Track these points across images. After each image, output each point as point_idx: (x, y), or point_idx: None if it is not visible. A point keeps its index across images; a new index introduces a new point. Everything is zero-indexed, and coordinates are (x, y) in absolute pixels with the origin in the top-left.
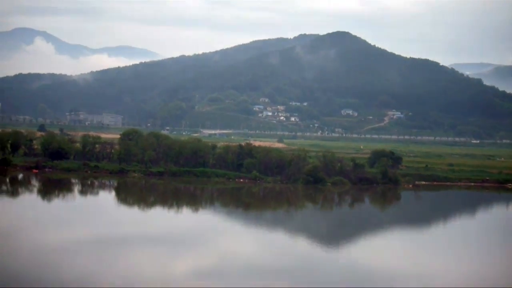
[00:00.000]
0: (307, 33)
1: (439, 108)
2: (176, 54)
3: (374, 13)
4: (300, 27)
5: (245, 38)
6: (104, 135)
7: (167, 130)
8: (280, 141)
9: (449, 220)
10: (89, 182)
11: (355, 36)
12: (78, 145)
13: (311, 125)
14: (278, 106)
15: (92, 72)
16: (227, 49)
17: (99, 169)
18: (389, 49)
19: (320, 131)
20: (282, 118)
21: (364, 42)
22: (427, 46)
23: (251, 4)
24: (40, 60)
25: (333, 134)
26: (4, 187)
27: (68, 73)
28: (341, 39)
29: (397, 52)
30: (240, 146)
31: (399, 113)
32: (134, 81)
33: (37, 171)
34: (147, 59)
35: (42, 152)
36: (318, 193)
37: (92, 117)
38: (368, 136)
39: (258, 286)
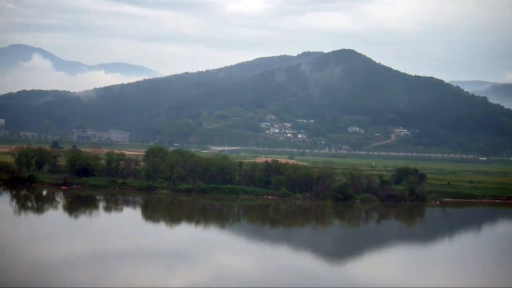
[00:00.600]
0: (310, 51)
1: (445, 125)
2: (171, 71)
3: (375, 32)
4: (302, 45)
5: (247, 56)
6: (116, 152)
7: (176, 146)
8: (291, 157)
9: (483, 236)
10: (120, 199)
11: (360, 54)
12: (103, 162)
13: (318, 142)
14: (285, 123)
15: (95, 89)
16: (231, 66)
17: (127, 185)
18: (393, 67)
19: (328, 148)
20: (289, 135)
21: (369, 60)
22: (426, 64)
23: (248, 22)
24: (39, 77)
25: (341, 151)
26: (36, 204)
27: (69, 90)
28: (346, 56)
29: (401, 70)
30: (267, 163)
31: (406, 130)
32: (138, 98)
33: (66, 188)
34: (143, 76)
35: (68, 168)
36: (348, 210)
37: (99, 134)
38: (376, 153)
39: None
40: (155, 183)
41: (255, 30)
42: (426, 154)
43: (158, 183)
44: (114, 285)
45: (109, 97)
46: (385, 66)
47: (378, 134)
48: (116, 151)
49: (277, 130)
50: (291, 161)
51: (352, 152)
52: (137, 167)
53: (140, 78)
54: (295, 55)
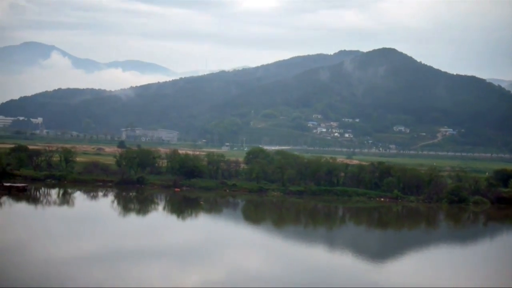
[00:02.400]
0: (346, 49)
1: (490, 124)
2: (186, 69)
3: (389, 29)
4: (332, 43)
5: (260, 54)
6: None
7: (227, 146)
8: (349, 157)
9: None
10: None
11: (401, 53)
12: (205, 163)
13: (365, 142)
14: (331, 122)
15: (131, 88)
16: (268, 64)
17: (236, 187)
18: (434, 66)
19: (374, 148)
20: (336, 134)
21: (411, 58)
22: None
23: (261, 19)
24: (57, 75)
25: (391, 151)
26: (156, 206)
27: (104, 88)
28: (387, 55)
29: (442, 68)
30: (373, 164)
31: (451, 129)
32: (177, 97)
33: (178, 190)
34: (159, 74)
35: (176, 170)
36: (462, 213)
37: (148, 133)
38: (425, 152)
39: None
40: (266, 184)
41: (268, 28)
42: (476, 154)
43: (268, 185)
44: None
45: (147, 95)
46: (426, 65)
47: (424, 134)
48: (181, 151)
49: (324, 130)
50: (354, 162)
51: (401, 151)
52: (237, 169)
53: (155, 76)
54: (332, 53)
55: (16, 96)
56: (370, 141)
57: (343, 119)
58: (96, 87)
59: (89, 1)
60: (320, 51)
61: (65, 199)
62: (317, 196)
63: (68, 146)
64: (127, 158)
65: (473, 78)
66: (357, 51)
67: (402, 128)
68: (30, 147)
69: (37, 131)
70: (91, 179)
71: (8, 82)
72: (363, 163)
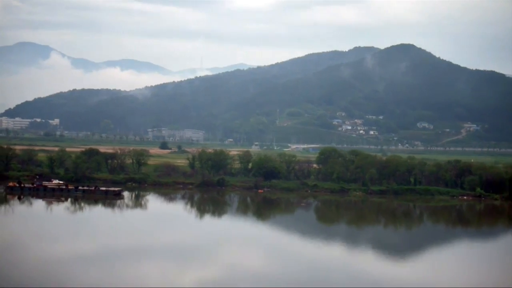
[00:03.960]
0: (361, 46)
1: None
2: (182, 67)
3: (384, 25)
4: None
5: (256, 51)
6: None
7: (257, 145)
8: (384, 155)
9: None
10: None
11: (419, 48)
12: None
13: (390, 139)
14: (356, 120)
15: (146, 87)
16: (282, 62)
17: (317, 188)
18: (453, 61)
19: (400, 144)
20: (361, 131)
21: (430, 54)
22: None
23: (255, 16)
24: (56, 75)
25: (418, 148)
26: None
27: (119, 88)
28: (406, 51)
29: (461, 64)
30: (450, 162)
31: (475, 125)
32: (195, 96)
33: (262, 191)
34: (156, 73)
35: (243, 171)
36: None
37: (175, 133)
38: (452, 148)
39: None
40: (346, 185)
41: (263, 25)
42: (503, 150)
43: (349, 185)
44: None
45: (163, 95)
46: (445, 60)
47: (448, 130)
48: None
49: (349, 127)
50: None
51: (428, 148)
52: (310, 169)
53: (153, 75)
54: (346, 50)
55: (30, 98)
56: (395, 138)
57: (367, 116)
58: (97, 86)
59: (82, 0)
60: (317, 49)
61: (165, 202)
62: (399, 196)
63: (138, 148)
64: (202, 160)
65: (492, 73)
66: (372, 47)
67: (426, 125)
68: (67, 150)
69: (58, 133)
70: (171, 182)
71: (6, 83)
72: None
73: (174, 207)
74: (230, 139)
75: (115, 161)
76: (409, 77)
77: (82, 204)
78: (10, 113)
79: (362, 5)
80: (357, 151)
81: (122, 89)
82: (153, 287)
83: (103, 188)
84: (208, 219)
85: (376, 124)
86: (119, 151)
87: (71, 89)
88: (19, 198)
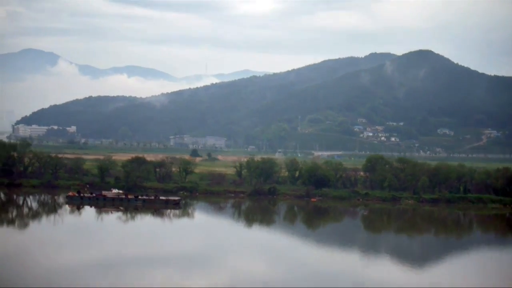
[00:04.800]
0: (377, 52)
1: None
2: (186, 73)
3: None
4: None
5: (261, 57)
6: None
7: (280, 152)
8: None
9: None
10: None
11: (437, 54)
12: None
13: (411, 145)
14: (377, 126)
15: (162, 94)
16: (299, 69)
17: (369, 196)
18: (472, 67)
19: (422, 151)
20: (383, 138)
21: (448, 60)
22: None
23: (259, 23)
24: (68, 82)
25: (440, 155)
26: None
27: (135, 95)
28: (425, 58)
29: (479, 70)
30: (499, 170)
31: (495, 131)
32: (212, 103)
33: (315, 200)
34: (162, 79)
35: (291, 179)
36: None
37: (198, 140)
38: (474, 155)
39: None
40: (398, 193)
41: (267, 31)
42: None
43: (399, 193)
44: None
45: (180, 102)
46: (464, 66)
47: (468, 136)
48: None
49: (370, 134)
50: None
51: (451, 155)
52: (356, 177)
53: (158, 81)
54: (362, 56)
55: (40, 105)
56: (416, 145)
57: (388, 123)
58: (105, 93)
59: (86, 7)
60: (326, 55)
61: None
62: (451, 204)
63: (186, 157)
64: (251, 169)
65: (510, 79)
66: (389, 54)
67: (447, 131)
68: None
69: (81, 140)
70: (222, 191)
71: (13, 89)
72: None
73: (232, 217)
74: (252, 146)
75: (164, 169)
76: (429, 83)
77: (146, 214)
78: (27, 120)
79: (364, 10)
80: (404, 159)
81: (137, 96)
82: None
83: (163, 198)
84: (269, 229)
85: (397, 130)
86: (166, 160)
87: (87, 96)
88: (78, 208)
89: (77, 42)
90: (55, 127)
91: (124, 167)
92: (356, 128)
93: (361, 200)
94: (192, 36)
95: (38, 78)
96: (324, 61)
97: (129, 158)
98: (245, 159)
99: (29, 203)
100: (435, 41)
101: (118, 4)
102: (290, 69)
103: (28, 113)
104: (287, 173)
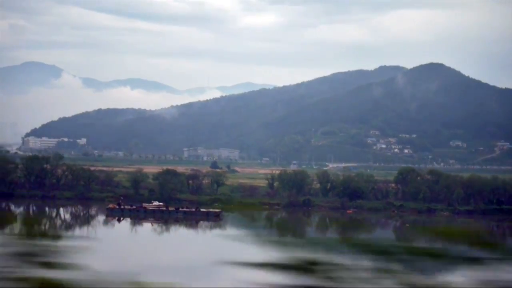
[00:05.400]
0: (386, 65)
1: None
2: (189, 86)
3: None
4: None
5: (260, 70)
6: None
7: (295, 164)
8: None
9: None
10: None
11: (449, 68)
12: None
13: (424, 157)
14: (390, 139)
15: (171, 107)
16: (308, 81)
17: (404, 208)
18: (482, 80)
19: (435, 163)
20: (396, 150)
21: (459, 73)
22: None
23: (261, 36)
24: (73, 94)
25: (454, 166)
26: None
27: (144, 108)
28: (435, 70)
29: (490, 82)
30: None
31: (508, 143)
32: (223, 115)
33: (351, 211)
34: (164, 92)
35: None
36: None
37: (213, 152)
38: (488, 167)
39: None
40: (432, 205)
41: (267, 44)
42: None
43: (434, 205)
44: None
45: (190, 114)
46: (475, 79)
47: (481, 148)
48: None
49: (384, 146)
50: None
51: (465, 167)
52: (386, 189)
53: (162, 94)
54: (372, 69)
55: (52, 118)
56: (430, 157)
57: (400, 135)
58: (110, 105)
59: (87, 20)
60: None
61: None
62: (486, 216)
63: (237, 169)
64: (284, 181)
65: None
66: (398, 66)
67: (459, 143)
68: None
69: (91, 152)
70: (257, 202)
71: (16, 102)
72: None
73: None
74: (266, 158)
75: (197, 181)
76: (440, 96)
77: (188, 226)
78: (36, 132)
79: (365, 24)
80: (435, 171)
81: (147, 109)
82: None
83: (204, 210)
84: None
85: (410, 142)
86: (197, 172)
87: (96, 109)
88: (119, 220)
89: (79, 55)
90: (66, 139)
91: (156, 179)
92: (369, 140)
93: (396, 212)
94: (193, 49)
95: (40, 91)
96: (334, 74)
97: (160, 170)
98: (277, 171)
99: (71, 216)
100: (444, 54)
101: (120, 17)
102: (297, 82)
103: (34, 125)
104: (318, 185)
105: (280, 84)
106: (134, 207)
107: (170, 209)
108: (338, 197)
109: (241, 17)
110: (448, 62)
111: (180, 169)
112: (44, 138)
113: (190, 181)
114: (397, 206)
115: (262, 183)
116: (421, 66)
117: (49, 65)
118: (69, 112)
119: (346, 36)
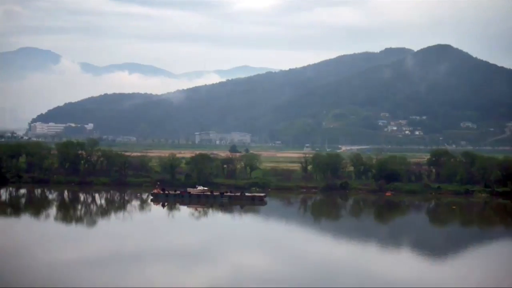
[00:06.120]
0: (392, 47)
1: None
2: (185, 70)
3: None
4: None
5: (259, 54)
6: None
7: (308, 147)
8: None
9: None
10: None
11: (456, 49)
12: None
13: (435, 139)
14: (400, 121)
15: (178, 91)
16: (314, 64)
17: (441, 190)
18: (490, 61)
19: (446, 144)
20: (407, 132)
21: (467, 54)
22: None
23: (257, 19)
24: (72, 80)
25: (466, 147)
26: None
27: (151, 92)
28: (444, 52)
29: (498, 63)
30: None
31: None
32: (230, 99)
33: (390, 194)
34: (162, 76)
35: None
36: None
37: (225, 136)
38: (501, 148)
39: None
40: (470, 186)
41: (264, 27)
42: None
43: (472, 187)
44: None
45: (197, 99)
46: (483, 60)
47: (492, 129)
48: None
49: (394, 128)
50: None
51: (476, 148)
52: (420, 171)
53: (159, 78)
54: (378, 51)
55: (60, 103)
56: (441, 138)
57: (411, 117)
58: (110, 90)
59: (82, 5)
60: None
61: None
62: None
63: (254, 152)
64: (319, 164)
65: None
66: (403, 49)
67: (470, 124)
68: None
69: (99, 137)
70: (294, 186)
71: (14, 88)
72: None
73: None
74: (278, 141)
75: (231, 166)
76: (449, 77)
77: (236, 210)
78: (43, 118)
79: (363, 6)
80: (469, 153)
81: (153, 93)
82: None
83: (249, 194)
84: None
85: (421, 124)
86: (231, 156)
87: (102, 94)
88: (163, 205)
89: (74, 40)
90: (73, 125)
91: (190, 163)
92: (380, 123)
93: (433, 193)
94: (189, 32)
95: (38, 77)
96: (340, 57)
97: (192, 155)
98: (310, 155)
99: (117, 201)
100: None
101: (115, 2)
102: (302, 65)
103: (34, 110)
104: (351, 168)
105: (276, 67)
106: (178, 192)
107: (215, 193)
108: (373, 180)
109: (237, 1)
110: (456, 44)
111: (192, 153)
112: (51, 124)
113: (225, 166)
114: (434, 188)
115: (290, 166)
116: (428, 47)
117: (44, 50)
118: (72, 98)
119: (342, 19)
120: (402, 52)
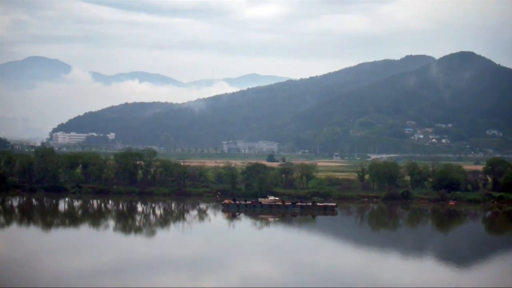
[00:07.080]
0: (413, 54)
1: None
2: (192, 78)
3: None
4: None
5: (266, 62)
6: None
7: (337, 156)
8: (477, 163)
9: None
10: None
11: (479, 56)
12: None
13: (462, 147)
14: (427, 129)
15: (198, 100)
16: (334, 72)
17: (503, 199)
18: None
19: (473, 152)
20: (434, 140)
21: (490, 61)
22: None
23: (265, 27)
24: (83, 89)
25: (494, 155)
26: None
27: (171, 101)
28: (467, 59)
29: None
30: None
31: None
32: (252, 107)
33: (453, 203)
34: (170, 84)
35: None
36: None
37: (254, 145)
38: None
39: None
40: None
41: (272, 35)
42: None
43: None
44: None
45: (218, 108)
46: (505, 67)
47: None
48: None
49: (421, 136)
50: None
51: (504, 155)
52: (476, 179)
53: (169, 86)
54: (398, 59)
55: (79, 112)
56: (467, 146)
57: (437, 125)
58: (121, 100)
59: (89, 14)
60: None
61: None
62: None
63: (307, 162)
64: (378, 173)
65: None
66: (424, 56)
67: (495, 132)
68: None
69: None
70: (356, 196)
71: (23, 97)
72: None
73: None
74: (306, 150)
75: (289, 175)
76: (474, 85)
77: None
78: (64, 127)
79: (369, 14)
80: None
81: (173, 102)
82: None
83: (321, 204)
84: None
85: (447, 132)
86: (285, 166)
87: (122, 103)
88: (234, 215)
89: (81, 49)
90: (95, 134)
91: (246, 173)
92: (406, 131)
93: (495, 203)
94: (196, 41)
95: (48, 86)
96: (360, 64)
97: (247, 164)
98: (367, 164)
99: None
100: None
101: (121, 10)
102: (323, 73)
103: (49, 120)
104: (408, 177)
105: (284, 75)
106: (249, 202)
107: (286, 203)
108: (433, 189)
109: (244, 9)
110: (479, 51)
111: (226, 162)
112: (72, 133)
113: (283, 175)
114: (496, 197)
115: (339, 175)
116: (451, 55)
117: (52, 60)
118: (88, 107)
119: (349, 26)
120: (423, 59)
